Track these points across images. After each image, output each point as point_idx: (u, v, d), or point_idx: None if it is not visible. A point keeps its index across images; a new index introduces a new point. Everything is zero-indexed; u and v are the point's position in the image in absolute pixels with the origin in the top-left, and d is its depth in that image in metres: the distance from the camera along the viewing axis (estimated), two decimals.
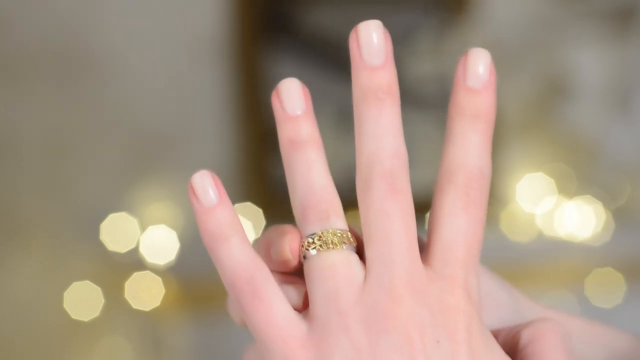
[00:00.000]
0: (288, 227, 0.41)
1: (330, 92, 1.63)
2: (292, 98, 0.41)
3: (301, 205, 0.40)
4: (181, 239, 1.60)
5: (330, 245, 0.39)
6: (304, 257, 0.40)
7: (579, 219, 1.63)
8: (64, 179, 1.67)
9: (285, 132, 0.41)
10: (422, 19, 1.69)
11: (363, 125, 0.40)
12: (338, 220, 0.40)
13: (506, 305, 0.43)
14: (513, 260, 1.63)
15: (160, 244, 1.59)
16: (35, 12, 1.67)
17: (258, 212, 1.58)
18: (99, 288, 1.61)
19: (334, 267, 0.39)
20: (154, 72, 1.68)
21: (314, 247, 0.39)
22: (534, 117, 1.69)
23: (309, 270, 0.39)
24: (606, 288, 1.63)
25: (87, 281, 1.61)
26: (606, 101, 1.68)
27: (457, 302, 0.38)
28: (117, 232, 1.59)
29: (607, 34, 1.67)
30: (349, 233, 0.40)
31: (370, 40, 0.40)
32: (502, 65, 1.66)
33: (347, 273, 0.39)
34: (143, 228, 1.60)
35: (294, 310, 0.39)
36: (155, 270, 1.60)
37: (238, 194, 1.64)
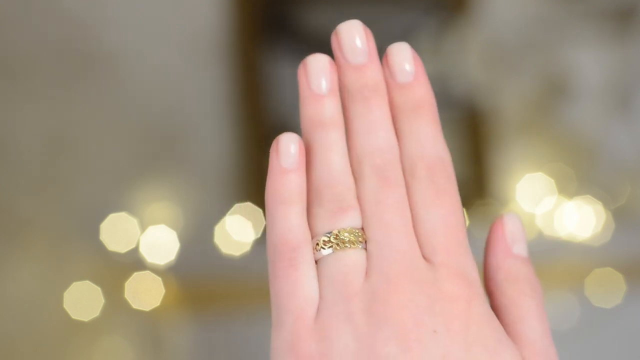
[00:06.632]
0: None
1: None
2: (317, 74, 0.41)
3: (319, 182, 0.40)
4: (181, 239, 1.60)
5: (348, 245, 0.39)
6: (318, 251, 0.40)
7: (579, 219, 1.63)
8: (64, 179, 1.67)
9: (309, 111, 0.41)
10: (422, 19, 1.69)
11: (352, 122, 0.41)
12: (354, 214, 0.40)
13: None
14: None
15: (160, 244, 1.59)
16: (35, 12, 1.67)
17: (258, 212, 1.58)
18: (99, 288, 1.61)
19: (345, 259, 0.39)
20: (153, 72, 1.68)
21: (330, 246, 0.39)
22: (534, 117, 1.69)
23: (323, 264, 0.39)
24: (606, 288, 1.63)
25: (87, 281, 1.61)
26: (606, 101, 1.67)
27: (453, 289, 0.39)
28: (117, 232, 1.59)
29: (607, 34, 1.67)
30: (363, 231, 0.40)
31: (352, 40, 0.41)
32: (502, 65, 1.66)
33: (355, 260, 0.39)
34: (143, 228, 1.60)
35: (317, 292, 0.39)
36: (155, 270, 1.60)
37: (238, 194, 1.64)
